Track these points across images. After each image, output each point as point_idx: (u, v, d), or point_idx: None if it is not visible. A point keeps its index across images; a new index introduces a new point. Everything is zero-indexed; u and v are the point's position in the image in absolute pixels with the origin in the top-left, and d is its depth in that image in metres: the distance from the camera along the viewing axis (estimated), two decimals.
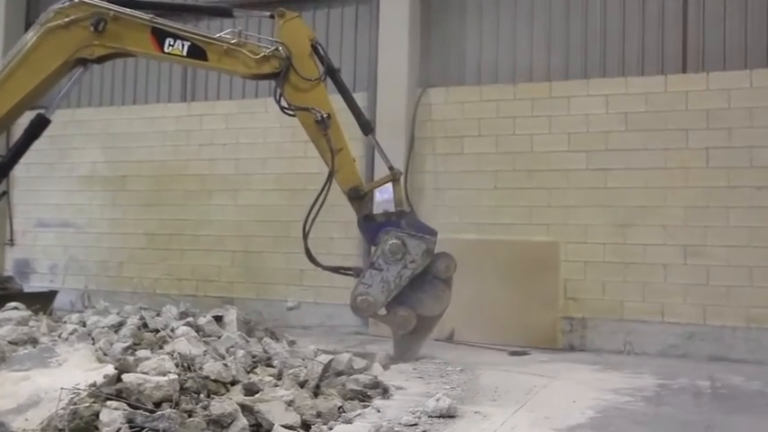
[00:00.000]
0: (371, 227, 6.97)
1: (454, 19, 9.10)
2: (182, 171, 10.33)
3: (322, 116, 6.84)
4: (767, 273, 7.48)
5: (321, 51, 7.10)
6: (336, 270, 7.34)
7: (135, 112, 10.79)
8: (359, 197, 7.00)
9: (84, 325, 6.37)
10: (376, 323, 8.64)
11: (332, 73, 7.15)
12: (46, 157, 10.92)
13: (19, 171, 11.11)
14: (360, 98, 9.18)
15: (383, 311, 6.94)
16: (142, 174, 10.60)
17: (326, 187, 6.89)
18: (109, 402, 3.99)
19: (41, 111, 7.13)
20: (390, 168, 7.17)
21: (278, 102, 6.98)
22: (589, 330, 8.11)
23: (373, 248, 6.90)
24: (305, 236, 6.99)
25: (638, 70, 8.26)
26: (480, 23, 9.00)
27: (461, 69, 9.06)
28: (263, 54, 6.89)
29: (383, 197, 8.79)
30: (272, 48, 6.91)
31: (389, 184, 8.73)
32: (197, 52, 6.93)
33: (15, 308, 6.82)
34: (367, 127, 7.36)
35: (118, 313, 6.68)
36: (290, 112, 7.02)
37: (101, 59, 7.13)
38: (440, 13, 9.18)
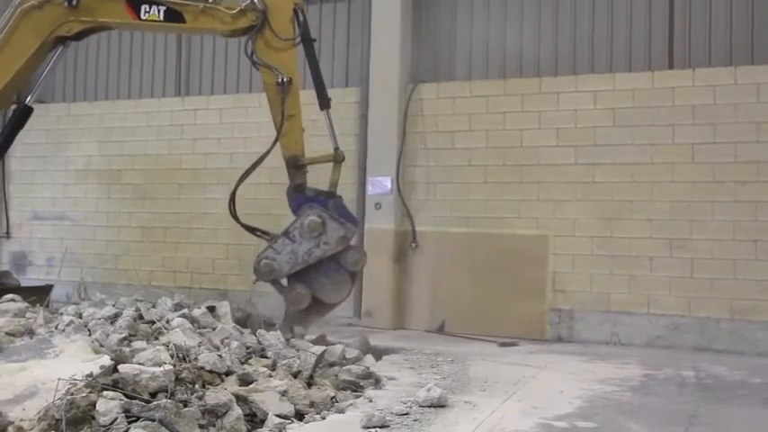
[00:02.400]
0: (299, 198, 7.03)
1: (445, 15, 9.17)
2: (176, 165, 10.40)
3: (283, 79, 6.88)
4: (750, 266, 7.61)
5: (301, 17, 7.07)
6: (254, 231, 7.37)
7: (129, 107, 10.83)
8: (296, 166, 7.05)
9: (81, 317, 6.37)
10: (369, 314, 8.78)
11: (307, 41, 7.13)
12: (41, 151, 10.99)
13: (15, 165, 11.22)
14: (353, 93, 9.30)
15: (284, 282, 6.98)
16: (137, 167, 10.66)
17: (271, 149, 6.98)
18: (105, 392, 4.00)
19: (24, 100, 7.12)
20: (335, 149, 7.22)
21: (249, 56, 7.00)
22: (577, 322, 8.23)
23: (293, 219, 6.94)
24: (233, 191, 7.12)
25: (625, 66, 8.35)
26: (471, 19, 9.08)
27: (452, 65, 9.14)
28: (239, 8, 6.89)
29: (375, 191, 8.93)
30: (248, 1, 6.89)
31: (386, 179, 8.86)
32: (173, 15, 6.94)
33: (12, 300, 6.87)
34: (325, 102, 7.28)
35: (114, 305, 6.70)
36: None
37: (79, 36, 7.12)
38: (431, 9, 9.25)
